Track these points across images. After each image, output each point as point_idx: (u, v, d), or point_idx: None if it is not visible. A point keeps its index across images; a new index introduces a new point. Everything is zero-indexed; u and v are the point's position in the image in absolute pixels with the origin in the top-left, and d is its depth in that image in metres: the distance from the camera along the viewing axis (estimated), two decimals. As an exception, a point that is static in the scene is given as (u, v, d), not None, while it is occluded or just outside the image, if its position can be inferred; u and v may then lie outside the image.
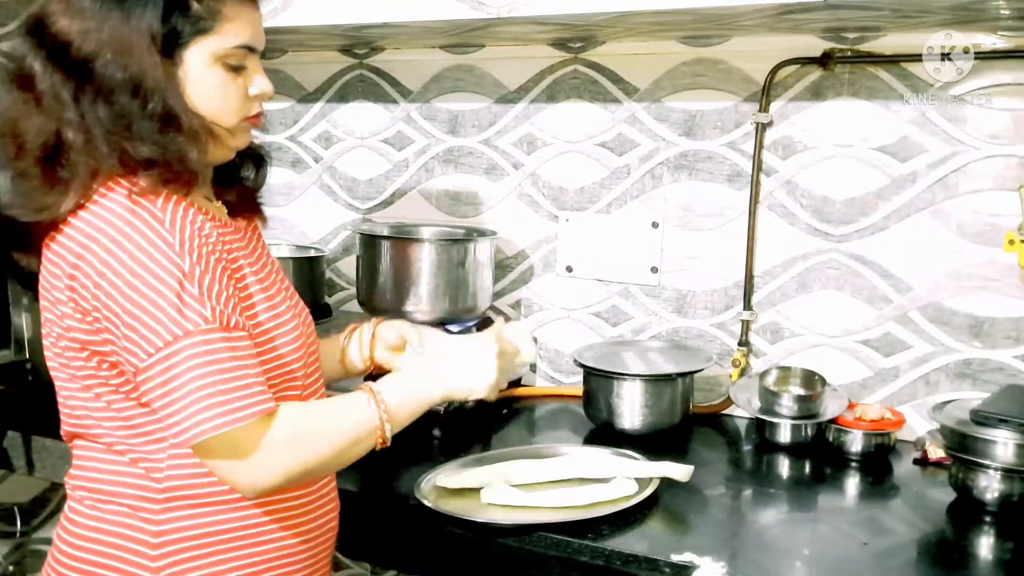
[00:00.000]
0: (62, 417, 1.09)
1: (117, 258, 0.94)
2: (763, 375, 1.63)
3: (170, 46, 0.99)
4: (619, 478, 1.33)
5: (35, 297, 1.07)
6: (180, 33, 0.99)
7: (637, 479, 1.34)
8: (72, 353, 1.02)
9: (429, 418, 1.60)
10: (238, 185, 1.18)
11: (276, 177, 2.26)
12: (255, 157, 1.21)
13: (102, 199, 0.98)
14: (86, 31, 0.97)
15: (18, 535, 2.11)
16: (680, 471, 1.34)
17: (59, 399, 1.08)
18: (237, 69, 1.04)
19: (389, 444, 1.06)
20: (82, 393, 1.04)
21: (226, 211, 1.14)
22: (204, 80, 1.02)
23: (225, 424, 0.93)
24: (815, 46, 1.63)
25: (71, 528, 1.07)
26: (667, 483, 1.34)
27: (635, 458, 1.41)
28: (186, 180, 1.01)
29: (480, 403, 1.67)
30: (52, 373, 1.07)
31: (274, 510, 1.07)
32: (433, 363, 1.16)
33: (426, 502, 1.27)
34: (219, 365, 0.93)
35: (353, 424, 1.03)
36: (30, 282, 1.07)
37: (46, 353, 1.06)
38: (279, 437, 0.97)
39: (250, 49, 1.05)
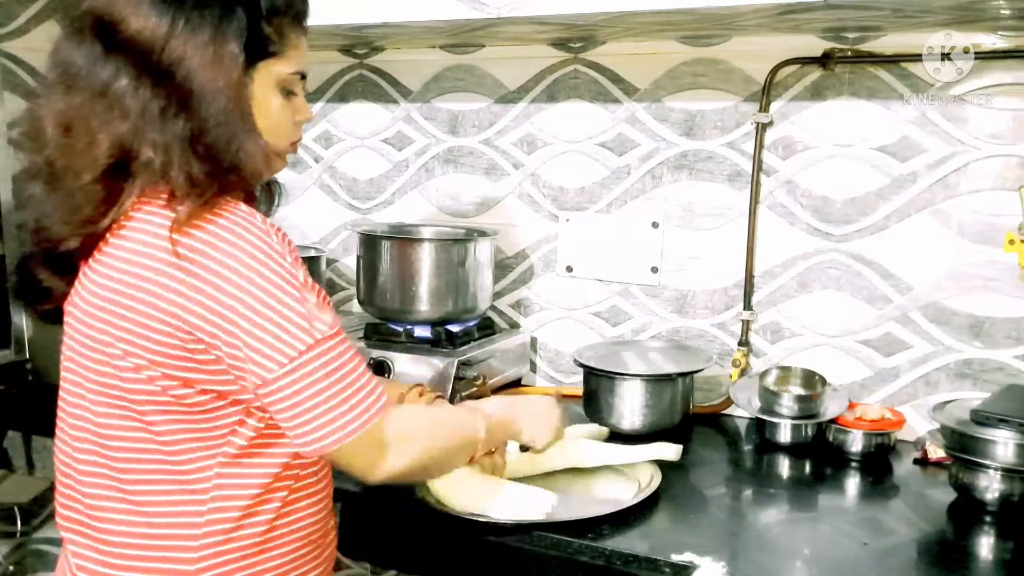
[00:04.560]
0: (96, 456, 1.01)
1: (229, 280, 0.92)
2: (763, 375, 1.63)
3: (244, 66, 1.00)
4: (657, 444, 1.39)
5: (53, 322, 1.05)
6: (254, 55, 1.00)
7: (637, 480, 1.34)
8: (150, 386, 0.96)
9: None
10: None
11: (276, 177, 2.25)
12: (270, 187, 1.22)
13: (145, 217, 0.95)
14: (167, 41, 0.94)
15: (18, 535, 2.11)
16: (670, 450, 1.37)
17: (98, 435, 1.01)
18: (290, 94, 1.07)
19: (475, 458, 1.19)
20: (129, 426, 0.98)
21: None
22: (265, 102, 1.04)
23: (360, 427, 0.98)
24: (815, 46, 1.63)
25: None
26: (667, 483, 1.34)
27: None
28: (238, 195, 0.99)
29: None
30: (93, 407, 1.00)
31: (289, 518, 1.06)
32: (513, 402, 1.30)
33: (427, 501, 1.27)
34: (345, 369, 0.98)
35: (462, 426, 1.15)
36: (50, 314, 1.05)
37: (87, 385, 1.00)
38: (407, 429, 1.05)
39: (303, 76, 1.08)
